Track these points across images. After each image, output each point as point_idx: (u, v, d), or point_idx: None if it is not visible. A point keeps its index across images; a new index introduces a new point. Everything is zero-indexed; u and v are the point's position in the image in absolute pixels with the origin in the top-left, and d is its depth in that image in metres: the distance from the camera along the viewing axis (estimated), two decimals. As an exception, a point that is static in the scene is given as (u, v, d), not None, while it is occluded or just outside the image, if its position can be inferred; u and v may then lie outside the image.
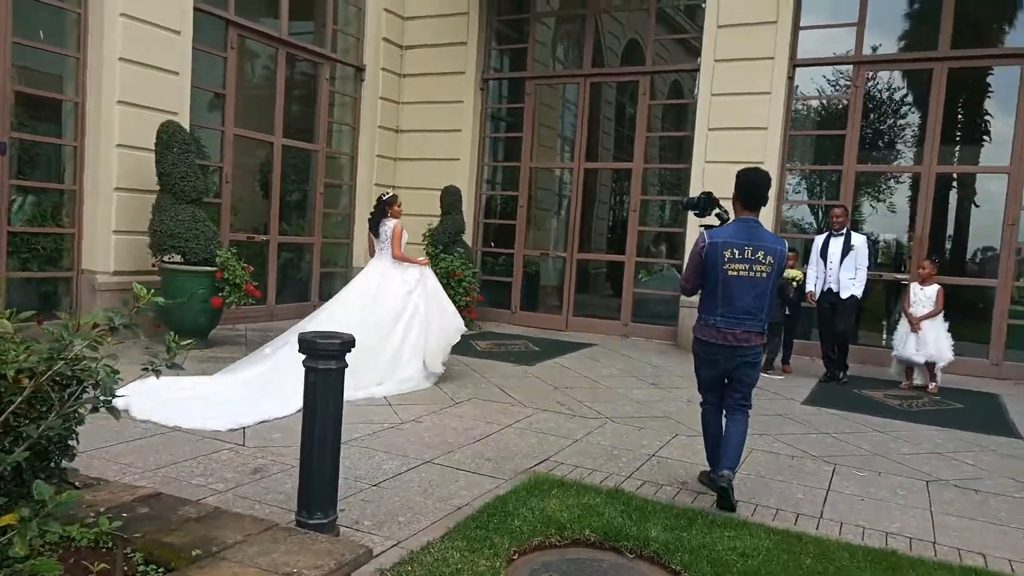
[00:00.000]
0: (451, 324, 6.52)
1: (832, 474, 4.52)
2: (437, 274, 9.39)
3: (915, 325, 7.11)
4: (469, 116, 10.75)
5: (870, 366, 8.29)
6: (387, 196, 6.61)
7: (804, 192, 10.19)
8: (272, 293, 9.58)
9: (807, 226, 10.12)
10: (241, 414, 4.82)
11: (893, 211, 9.78)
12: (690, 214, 5.87)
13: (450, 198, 10.02)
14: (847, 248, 7.29)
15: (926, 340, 7.06)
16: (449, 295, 9.43)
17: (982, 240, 9.30)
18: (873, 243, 10.04)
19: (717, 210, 4.11)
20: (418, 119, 11.02)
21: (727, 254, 3.70)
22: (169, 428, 4.58)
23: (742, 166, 8.67)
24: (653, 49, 9.95)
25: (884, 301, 9.68)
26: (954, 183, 8.94)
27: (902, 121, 9.62)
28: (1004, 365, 8.06)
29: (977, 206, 9.38)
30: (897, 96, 9.51)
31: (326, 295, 10.57)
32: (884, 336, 10.21)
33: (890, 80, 9.58)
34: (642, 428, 5.35)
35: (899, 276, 8.73)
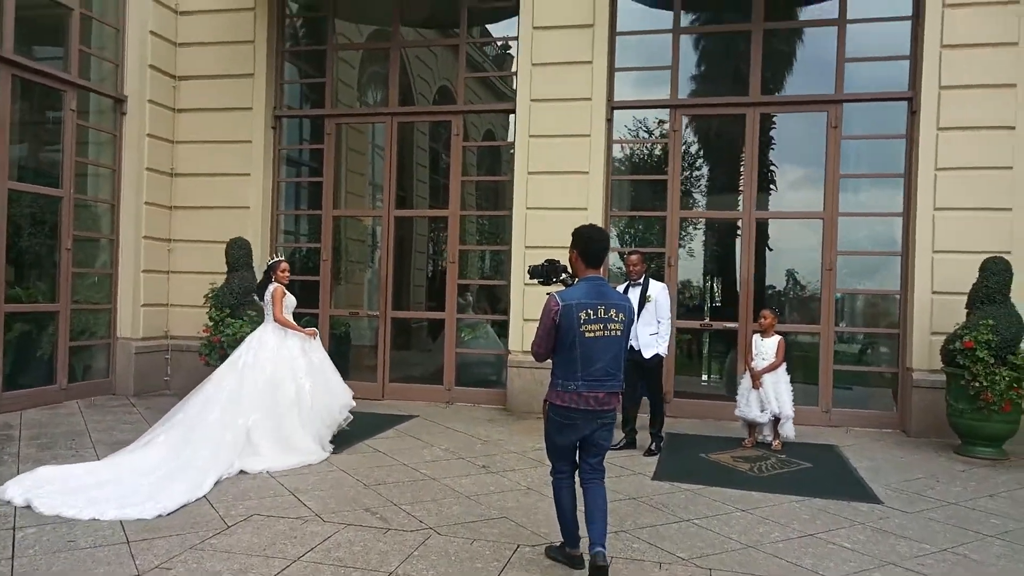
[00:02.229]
0: (336, 402, 6.25)
1: (709, 585, 3.66)
2: (221, 343, 7.91)
3: (756, 380, 6.67)
4: (259, 158, 9.29)
5: (709, 420, 7.84)
6: (272, 261, 6.56)
7: (631, 240, 9.77)
8: (-4, 379, 7.44)
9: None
10: (161, 498, 4.63)
11: (718, 257, 9.60)
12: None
13: (237, 252, 8.45)
14: (643, 299, 6.50)
15: (768, 396, 6.64)
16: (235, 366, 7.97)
17: (801, 285, 9.33)
18: (697, 291, 9.91)
19: (563, 276, 4.07)
20: (197, 161, 9.38)
21: (582, 315, 3.58)
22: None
23: (565, 212, 8.08)
24: (464, 87, 9.14)
25: (709, 350, 9.43)
26: (769, 229, 8.89)
27: (720, 166, 9.53)
28: (833, 412, 7.90)
29: (771, 252, 9.37)
30: (714, 140, 9.41)
31: (81, 374, 8.58)
32: (704, 379, 9.99)
33: (707, 124, 9.49)
34: (475, 540, 4.22)
35: (728, 325, 8.42)
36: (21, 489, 4.70)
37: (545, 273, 4.14)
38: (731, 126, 8.90)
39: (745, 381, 6.85)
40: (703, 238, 9.68)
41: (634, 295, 6.46)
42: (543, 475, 5.02)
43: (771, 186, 8.18)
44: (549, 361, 3.80)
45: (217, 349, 8.09)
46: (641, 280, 6.61)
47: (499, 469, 5.87)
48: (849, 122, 8.02)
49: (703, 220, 9.60)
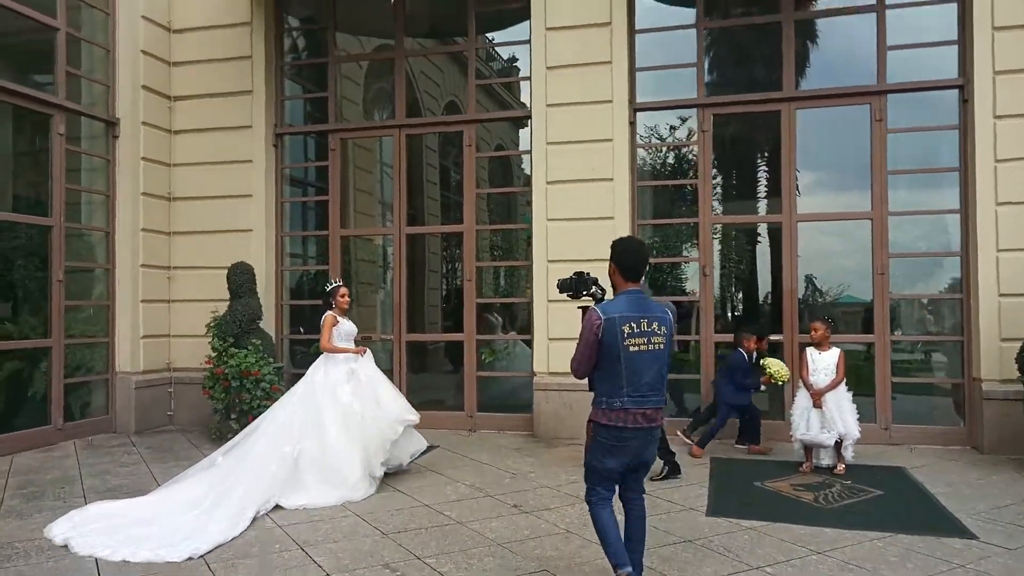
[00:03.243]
0: (385, 416, 5.88)
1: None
2: (225, 375, 7.39)
3: (817, 399, 6.02)
4: (261, 178, 8.77)
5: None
6: (331, 286, 6.31)
7: (659, 250, 9.14)
8: (-18, 423, 6.89)
9: (666, 290, 9.05)
10: (197, 538, 4.46)
11: (756, 265, 8.96)
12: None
13: (239, 278, 7.93)
14: None
15: (832, 416, 5.98)
16: (244, 399, 7.45)
17: (849, 292, 8.66)
18: (736, 302, 9.27)
19: (593, 288, 3.97)
20: (196, 184, 8.87)
21: (625, 329, 3.44)
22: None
23: (590, 223, 7.49)
24: (475, 95, 8.60)
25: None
26: (817, 231, 8.23)
27: (754, 167, 8.91)
28: (894, 428, 7.21)
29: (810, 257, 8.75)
30: (747, 140, 8.78)
31: (78, 413, 8.04)
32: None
33: (739, 123, 8.87)
34: (514, 602, 3.60)
35: (771, 337, 7.76)
36: (67, 526, 4.70)
37: (574, 286, 4.02)
38: (764, 124, 8.30)
39: (802, 400, 6.19)
40: (739, 245, 9.02)
41: None
42: (582, 514, 4.44)
43: (810, 187, 7.56)
44: (582, 382, 3.69)
45: (221, 381, 7.54)
46: None
47: (533, 508, 5.24)
48: (893, 114, 7.40)
49: (739, 225, 8.94)
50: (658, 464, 5.75)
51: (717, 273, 8.43)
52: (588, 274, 4.04)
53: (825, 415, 5.99)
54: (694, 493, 5.61)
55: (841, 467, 6.03)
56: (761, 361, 6.88)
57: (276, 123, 8.93)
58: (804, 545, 4.42)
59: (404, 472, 6.20)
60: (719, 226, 8.11)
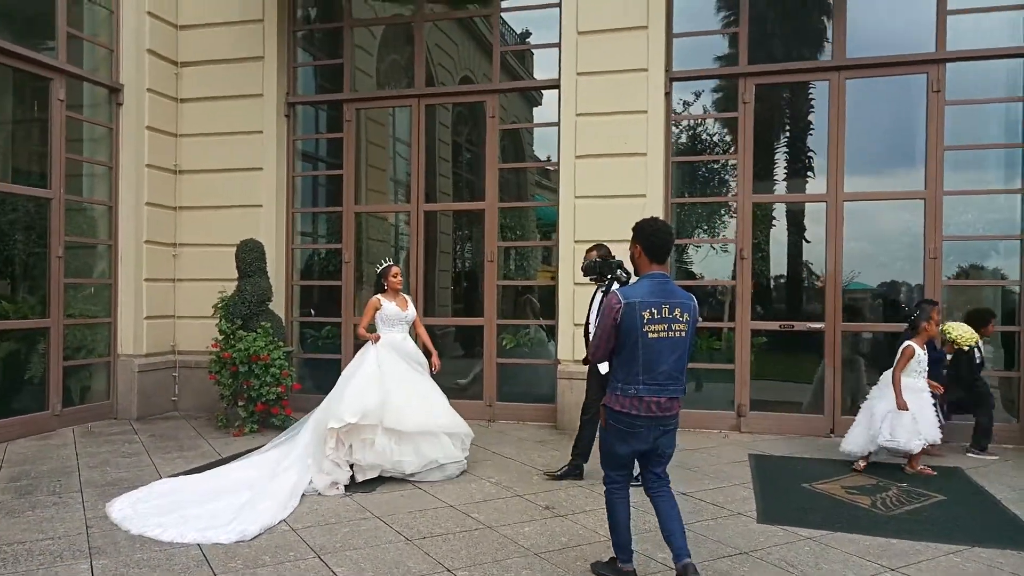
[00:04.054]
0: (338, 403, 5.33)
1: None
2: (233, 360, 6.98)
3: (901, 401, 5.53)
4: (272, 150, 8.30)
5: (791, 437, 6.75)
6: (382, 265, 5.88)
7: (692, 230, 8.65)
8: (-24, 408, 6.50)
9: (699, 272, 8.55)
10: (248, 519, 4.37)
11: (798, 247, 8.44)
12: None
13: (248, 256, 7.49)
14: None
15: (926, 417, 5.54)
16: (254, 386, 7.06)
17: (892, 276, 8.15)
18: (775, 286, 8.74)
19: (618, 271, 3.93)
20: (203, 156, 8.41)
21: (645, 315, 3.37)
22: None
23: (621, 200, 6.99)
24: (499, 63, 8.08)
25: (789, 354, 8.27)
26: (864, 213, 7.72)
27: (798, 142, 8.35)
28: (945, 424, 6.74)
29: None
30: (791, 112, 8.21)
31: (77, 398, 7.65)
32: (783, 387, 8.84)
33: (783, 94, 8.32)
34: (560, 627, 3.17)
35: (812, 325, 7.28)
36: (126, 503, 4.70)
37: (598, 269, 3.94)
38: (809, 95, 7.76)
39: (883, 401, 5.67)
40: (779, 225, 8.50)
41: (597, 301, 5.23)
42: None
43: (855, 164, 7.03)
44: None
45: (228, 366, 7.13)
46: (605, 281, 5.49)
47: (567, 511, 4.81)
48: (951, 85, 6.86)
49: (779, 205, 8.40)
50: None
51: (757, 256, 7.91)
52: (613, 256, 3.94)
53: (916, 416, 5.52)
54: (739, 495, 5.18)
55: (924, 469, 5.62)
56: (940, 327, 6.17)
57: (288, 91, 8.44)
58: (874, 560, 3.98)
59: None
60: (754, 205, 7.55)
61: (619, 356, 3.44)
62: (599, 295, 5.19)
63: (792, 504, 4.96)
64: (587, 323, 5.30)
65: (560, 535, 4.35)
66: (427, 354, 5.99)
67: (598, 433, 3.65)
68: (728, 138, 7.72)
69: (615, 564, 3.60)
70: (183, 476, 5.36)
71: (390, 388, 5.37)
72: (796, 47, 8.00)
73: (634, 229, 3.56)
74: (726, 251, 8.03)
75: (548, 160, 8.05)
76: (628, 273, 3.80)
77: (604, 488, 3.65)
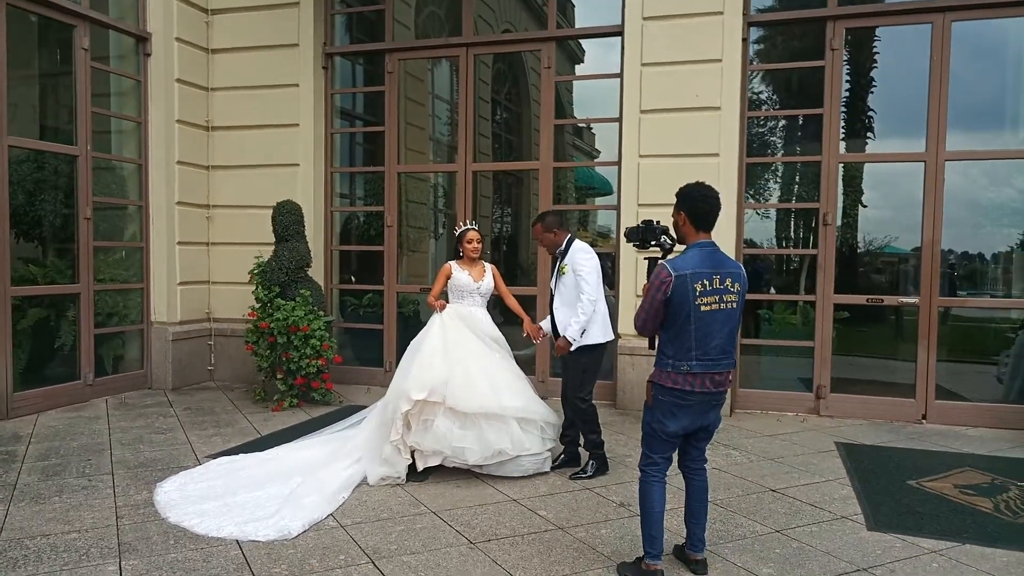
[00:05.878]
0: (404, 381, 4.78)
1: None
2: (270, 330, 6.53)
3: None
4: (309, 105, 7.73)
5: (878, 421, 6.11)
6: (460, 229, 5.35)
7: (769, 194, 7.92)
8: (5, 377, 6.12)
9: (767, 241, 7.86)
10: (290, 515, 3.98)
11: (893, 211, 7.68)
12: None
13: (286, 219, 6.99)
14: (559, 270, 4.90)
15: None
16: (292, 358, 6.62)
17: (999, 244, 7.38)
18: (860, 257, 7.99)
19: (663, 238, 3.69)
20: (237, 111, 7.88)
21: (697, 287, 3.18)
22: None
23: (690, 159, 6.31)
24: (555, 6, 7.36)
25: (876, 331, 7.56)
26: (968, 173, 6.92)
27: (891, 94, 7.52)
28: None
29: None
30: (886, 61, 7.38)
31: (110, 367, 7.29)
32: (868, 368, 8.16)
33: (876, 39, 7.48)
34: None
35: (904, 300, 6.59)
36: (174, 485, 4.48)
37: (641, 235, 3.74)
38: (906, 41, 6.93)
39: None
40: (867, 188, 7.72)
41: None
42: (711, 519, 3.53)
43: (967, 116, 6.23)
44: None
45: (265, 336, 6.69)
46: (562, 247, 4.93)
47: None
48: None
49: (868, 165, 7.58)
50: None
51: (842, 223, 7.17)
52: (658, 222, 3.70)
53: None
54: (837, 493, 4.59)
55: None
56: None
57: (326, 41, 7.84)
58: (1020, 581, 3.39)
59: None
60: (841, 165, 6.81)
61: (668, 331, 3.27)
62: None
63: (903, 507, 4.36)
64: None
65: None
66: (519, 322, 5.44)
67: (643, 413, 3.43)
68: (810, 90, 6.94)
69: (641, 563, 3.32)
70: (242, 455, 5.07)
71: (454, 362, 4.76)
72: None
73: (678, 195, 3.38)
74: (807, 216, 7.35)
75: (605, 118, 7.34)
76: (673, 240, 3.56)
77: (640, 473, 3.42)
